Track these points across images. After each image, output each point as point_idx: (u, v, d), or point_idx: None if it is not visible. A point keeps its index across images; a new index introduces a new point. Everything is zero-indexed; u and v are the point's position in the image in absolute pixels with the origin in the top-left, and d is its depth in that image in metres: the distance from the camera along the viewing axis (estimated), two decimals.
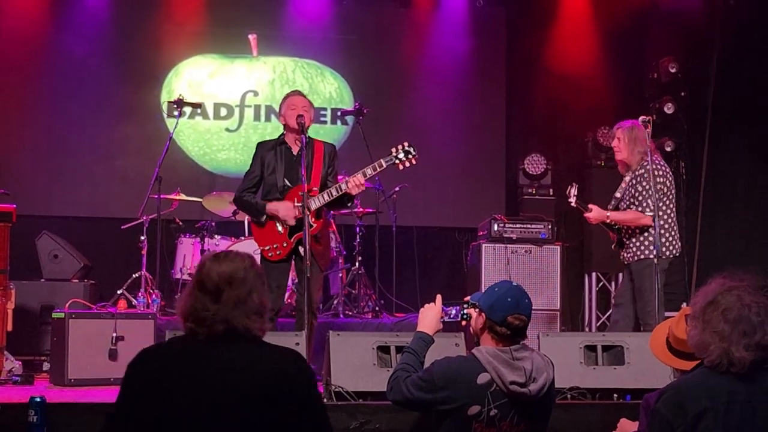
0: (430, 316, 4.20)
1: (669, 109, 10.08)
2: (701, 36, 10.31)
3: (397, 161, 6.49)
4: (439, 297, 4.23)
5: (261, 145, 6.80)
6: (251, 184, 6.68)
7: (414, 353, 4.10)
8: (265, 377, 3.15)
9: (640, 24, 10.52)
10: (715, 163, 10.31)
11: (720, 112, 10.25)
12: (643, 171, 7.01)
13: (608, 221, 7.19)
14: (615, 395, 5.94)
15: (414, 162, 6.52)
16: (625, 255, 7.21)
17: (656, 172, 6.92)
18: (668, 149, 10.10)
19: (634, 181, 7.10)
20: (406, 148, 6.49)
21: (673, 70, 10.09)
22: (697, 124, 10.39)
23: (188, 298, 3.26)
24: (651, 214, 6.88)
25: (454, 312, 4.15)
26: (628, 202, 7.14)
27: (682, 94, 10.30)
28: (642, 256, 7.08)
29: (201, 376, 3.13)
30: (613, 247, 7.37)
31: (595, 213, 7.15)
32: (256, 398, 3.11)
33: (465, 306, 4.03)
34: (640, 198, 7.02)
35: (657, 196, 6.88)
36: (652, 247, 6.88)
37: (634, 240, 7.15)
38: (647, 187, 6.93)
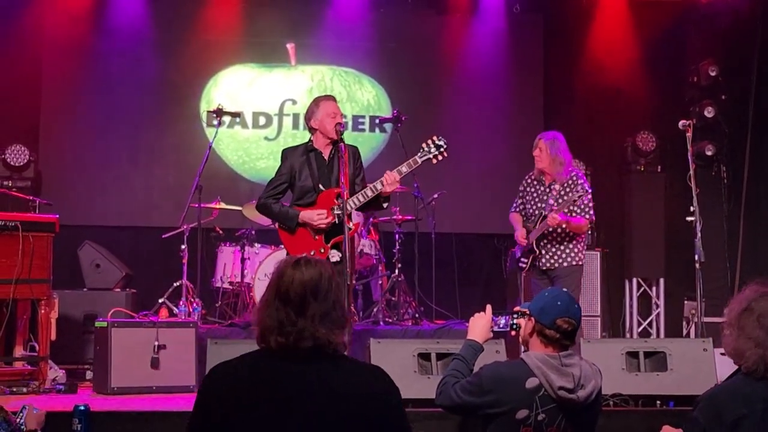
0: (480, 324, 4.23)
1: (709, 112, 10.00)
2: (741, 38, 10.22)
3: (431, 155, 6.46)
4: (489, 307, 4.25)
5: (290, 152, 6.71)
6: (277, 192, 6.60)
7: (463, 360, 4.14)
8: (358, 399, 3.00)
9: (680, 27, 10.43)
10: (757, 166, 10.21)
11: (761, 115, 10.15)
12: (580, 181, 7.26)
13: (563, 226, 7.27)
14: (658, 402, 5.90)
15: (446, 155, 6.48)
16: (548, 260, 7.31)
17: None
18: (709, 153, 10.03)
19: (567, 189, 7.26)
20: (437, 141, 6.47)
21: (713, 74, 10.00)
22: (738, 127, 10.30)
23: (267, 309, 3.05)
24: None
25: (503, 322, 4.16)
26: (569, 210, 7.22)
27: (723, 97, 10.20)
28: (574, 263, 7.32)
29: (290, 397, 2.95)
30: (522, 252, 7.46)
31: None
32: (349, 421, 2.97)
33: (515, 316, 4.03)
34: (582, 206, 7.23)
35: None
36: (582, 255, 7.35)
37: (564, 246, 7.32)
38: (587, 196, 7.20)
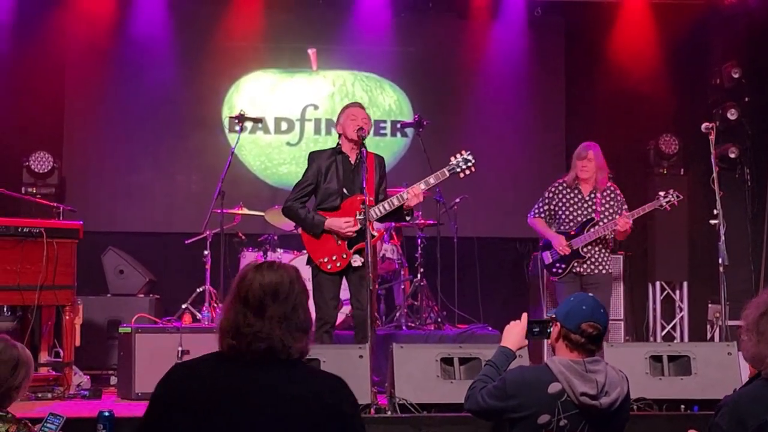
0: (514, 332, 4.23)
1: (732, 115, 9.96)
2: (764, 40, 10.15)
3: (459, 170, 6.53)
4: (525, 315, 4.25)
5: (317, 154, 6.77)
6: (303, 194, 6.64)
7: (494, 366, 4.15)
8: (309, 407, 2.94)
9: (702, 29, 10.37)
10: None
11: None
12: (618, 190, 7.70)
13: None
14: (682, 406, 5.88)
15: (473, 170, 6.56)
16: (588, 267, 7.50)
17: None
18: (732, 155, 9.98)
19: (611, 197, 7.57)
20: (465, 156, 6.54)
21: (735, 76, 9.95)
22: (762, 129, 10.24)
23: (228, 312, 3.03)
24: None
25: (538, 329, 4.16)
26: (610, 218, 7.50)
27: (746, 99, 10.15)
28: (610, 270, 7.66)
29: (238, 401, 2.92)
30: (559, 257, 7.56)
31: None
32: (298, 429, 2.93)
33: (549, 324, 4.03)
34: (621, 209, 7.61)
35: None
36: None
37: (604, 253, 7.57)
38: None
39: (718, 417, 3.32)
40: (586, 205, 7.55)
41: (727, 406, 3.33)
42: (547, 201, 7.65)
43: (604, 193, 7.60)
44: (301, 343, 3.01)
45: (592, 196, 7.56)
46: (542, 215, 7.66)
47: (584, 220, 7.51)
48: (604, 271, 7.54)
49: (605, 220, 7.49)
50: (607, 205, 7.56)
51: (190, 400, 2.93)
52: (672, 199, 7.55)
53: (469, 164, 6.56)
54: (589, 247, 7.47)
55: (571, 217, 7.56)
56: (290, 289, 3.02)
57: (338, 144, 6.74)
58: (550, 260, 7.58)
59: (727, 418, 3.29)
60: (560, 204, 7.60)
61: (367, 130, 6.58)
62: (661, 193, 7.62)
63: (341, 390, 3.06)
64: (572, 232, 7.49)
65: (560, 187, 7.65)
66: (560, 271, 7.52)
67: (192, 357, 6.59)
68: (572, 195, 7.58)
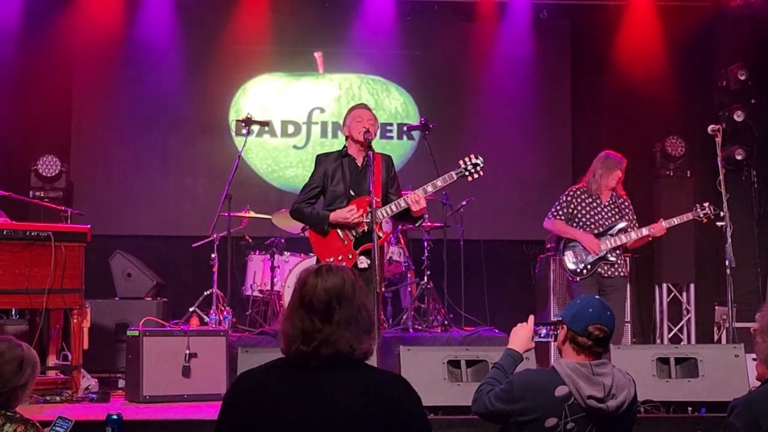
0: (521, 334, 4.22)
1: (739, 116, 9.95)
2: None
3: (467, 173, 6.50)
4: (531, 317, 4.25)
5: (323, 157, 6.74)
6: (310, 196, 6.62)
7: (502, 369, 4.14)
8: (378, 408, 2.96)
9: (708, 32, 10.36)
10: None
11: None
12: (627, 199, 7.72)
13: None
14: (689, 408, 5.87)
15: (482, 174, 6.53)
16: (609, 269, 7.50)
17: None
18: (739, 157, 9.98)
19: (627, 203, 7.66)
20: (474, 160, 6.50)
21: (742, 78, 9.95)
22: None
23: (293, 318, 3.02)
24: None
25: (544, 332, 4.16)
26: (632, 223, 7.59)
27: (753, 101, 10.15)
28: (625, 273, 7.66)
29: (307, 405, 2.94)
30: (587, 259, 7.55)
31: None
32: (369, 430, 2.95)
33: (556, 326, 4.03)
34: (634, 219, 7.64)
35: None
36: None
37: (622, 257, 7.59)
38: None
39: (732, 416, 3.33)
40: (606, 210, 7.55)
41: (741, 406, 3.35)
42: (565, 204, 7.62)
43: (623, 203, 7.64)
44: (366, 344, 3.04)
45: (611, 203, 7.57)
46: (561, 218, 7.62)
47: (610, 224, 7.50)
48: (623, 274, 7.55)
49: (630, 227, 7.51)
50: (631, 214, 7.62)
51: (259, 408, 2.96)
52: (709, 212, 7.48)
53: (478, 168, 6.51)
54: (617, 252, 7.49)
55: (592, 222, 7.53)
56: (353, 291, 3.04)
57: (345, 147, 6.73)
58: (575, 260, 7.53)
59: (741, 418, 3.30)
60: (579, 209, 7.57)
61: (373, 132, 6.55)
62: (698, 205, 7.57)
63: (406, 387, 3.10)
64: (606, 236, 7.49)
65: (578, 192, 7.63)
66: (585, 271, 7.47)
67: (199, 360, 6.72)
68: (591, 201, 7.57)
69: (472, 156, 6.52)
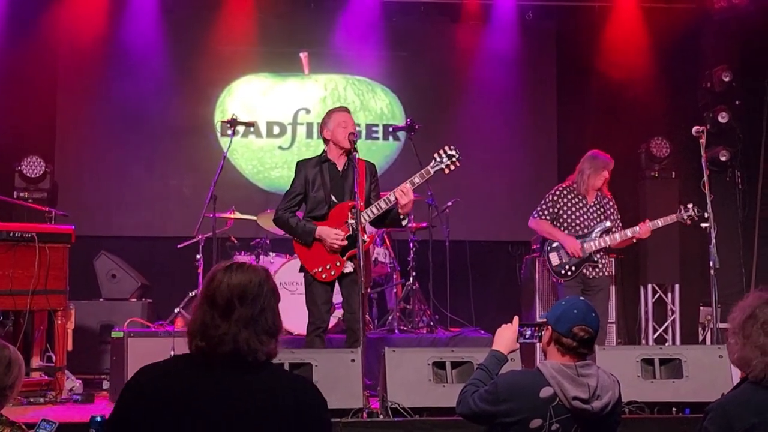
0: (505, 335, 4.23)
1: (723, 118, 9.98)
2: (755, 43, 10.19)
3: (443, 166, 6.47)
4: (516, 318, 4.25)
5: (303, 163, 6.71)
6: (293, 204, 6.61)
7: (486, 370, 4.14)
8: (277, 410, 2.90)
9: (693, 33, 10.38)
10: None
11: None
12: (612, 199, 7.76)
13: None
14: (674, 409, 5.89)
15: (458, 165, 6.49)
16: (594, 270, 7.56)
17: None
18: (723, 159, 10.01)
19: (612, 204, 7.70)
20: (449, 151, 6.47)
21: (726, 79, 9.98)
22: (753, 132, 10.28)
23: (197, 313, 2.98)
24: None
25: (529, 333, 4.16)
26: (616, 223, 7.65)
27: (737, 102, 10.18)
28: (609, 273, 7.80)
29: (206, 403, 2.87)
30: (570, 261, 7.58)
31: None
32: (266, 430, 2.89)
33: (541, 327, 4.04)
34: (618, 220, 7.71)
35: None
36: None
37: (607, 257, 7.68)
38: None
39: (706, 421, 3.33)
40: (591, 211, 7.56)
41: (714, 410, 3.34)
42: (551, 204, 7.62)
43: (608, 203, 7.67)
44: (269, 346, 2.96)
45: (597, 203, 7.58)
46: (546, 218, 7.63)
47: (594, 225, 7.52)
48: (607, 274, 7.62)
49: (615, 228, 7.53)
50: (615, 214, 7.67)
51: (158, 401, 2.88)
52: (693, 213, 7.50)
53: (453, 159, 6.44)
54: (601, 252, 7.52)
55: (577, 222, 7.54)
56: (258, 291, 2.97)
57: (324, 152, 6.68)
58: (559, 262, 7.55)
59: (716, 422, 3.29)
60: (565, 208, 7.58)
61: (356, 134, 6.57)
62: (682, 207, 7.62)
63: (309, 390, 3.04)
64: (590, 237, 7.50)
65: (565, 192, 7.64)
66: (569, 273, 7.50)
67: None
68: (577, 200, 7.59)
69: (446, 147, 6.49)
